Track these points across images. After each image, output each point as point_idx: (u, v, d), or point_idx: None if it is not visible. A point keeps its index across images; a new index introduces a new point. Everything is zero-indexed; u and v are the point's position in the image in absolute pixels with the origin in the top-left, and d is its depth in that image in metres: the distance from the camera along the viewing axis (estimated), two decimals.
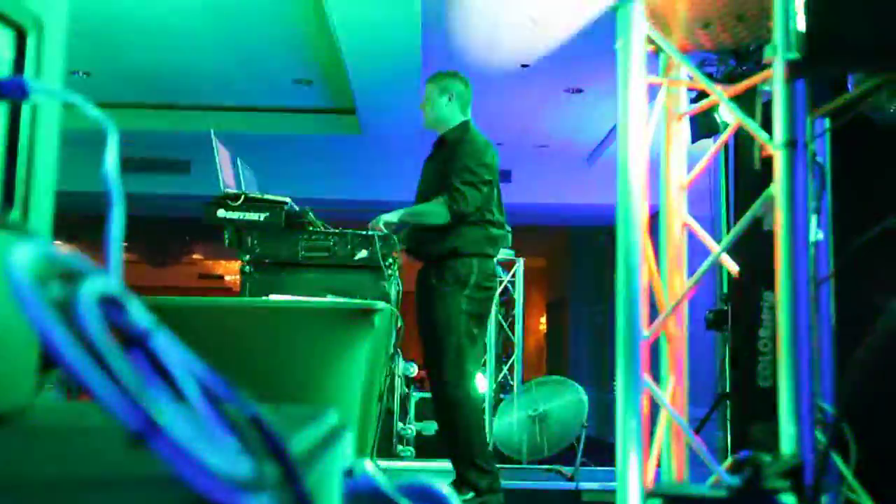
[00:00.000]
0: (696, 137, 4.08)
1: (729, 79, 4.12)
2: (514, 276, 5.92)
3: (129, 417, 0.35)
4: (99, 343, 0.37)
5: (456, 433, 3.10)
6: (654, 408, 1.57)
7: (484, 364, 5.57)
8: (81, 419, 0.68)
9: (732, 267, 1.64)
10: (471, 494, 3.09)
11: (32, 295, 0.37)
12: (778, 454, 1.19)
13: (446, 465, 3.51)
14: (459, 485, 3.08)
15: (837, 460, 1.37)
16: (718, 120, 4.28)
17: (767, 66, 1.47)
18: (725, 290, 4.43)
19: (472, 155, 3.22)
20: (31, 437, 0.58)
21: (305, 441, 0.58)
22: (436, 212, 3.14)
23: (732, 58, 4.31)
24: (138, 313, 0.44)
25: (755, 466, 1.00)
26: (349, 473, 0.65)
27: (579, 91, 6.64)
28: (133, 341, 0.42)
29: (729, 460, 1.27)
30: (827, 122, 1.69)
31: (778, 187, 1.35)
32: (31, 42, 0.66)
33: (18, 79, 0.64)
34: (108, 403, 0.35)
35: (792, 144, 1.34)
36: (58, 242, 0.43)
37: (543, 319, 15.34)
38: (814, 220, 1.36)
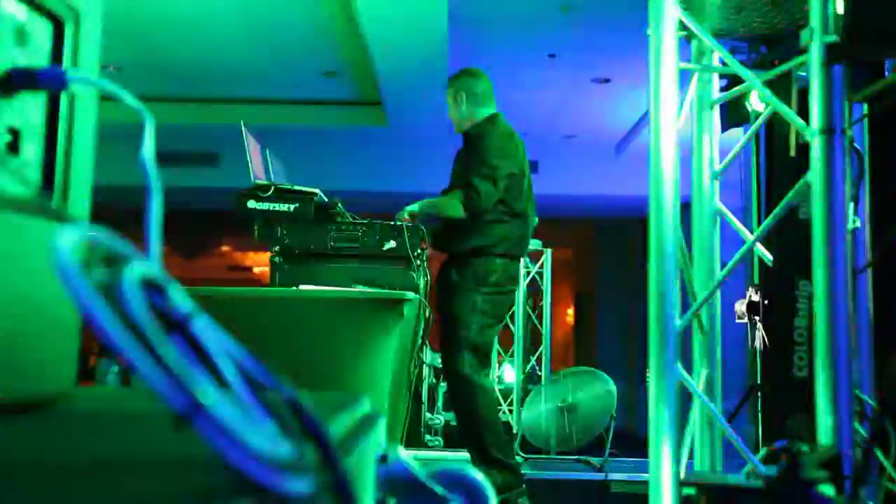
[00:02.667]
0: (725, 127, 4.03)
1: (760, 66, 4.05)
2: (541, 266, 5.90)
3: (174, 398, 0.36)
4: (144, 325, 0.37)
5: (470, 426, 3.10)
6: (686, 398, 1.56)
7: (512, 355, 5.56)
8: (121, 404, 0.69)
9: (766, 256, 1.62)
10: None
11: (78, 278, 0.37)
12: (815, 445, 1.17)
13: None
14: None
15: (878, 452, 1.35)
16: (749, 108, 4.22)
17: (803, 51, 1.44)
18: (756, 279, 4.37)
19: (491, 148, 3.18)
20: (72, 420, 0.59)
21: (342, 426, 0.58)
22: (452, 205, 3.13)
23: (763, 45, 4.24)
24: (179, 298, 0.44)
25: (792, 456, 0.98)
26: (383, 459, 0.65)
27: (607, 80, 6.58)
28: (174, 325, 0.43)
29: (764, 450, 1.26)
30: (865, 108, 1.66)
31: (815, 175, 1.33)
32: (68, 32, 0.67)
33: (57, 68, 0.65)
34: (153, 384, 0.35)
35: (829, 131, 1.31)
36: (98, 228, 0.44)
37: (571, 311, 15.28)
38: (851, 207, 1.34)
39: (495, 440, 3.12)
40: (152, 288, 0.43)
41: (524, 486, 3.18)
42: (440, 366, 5.18)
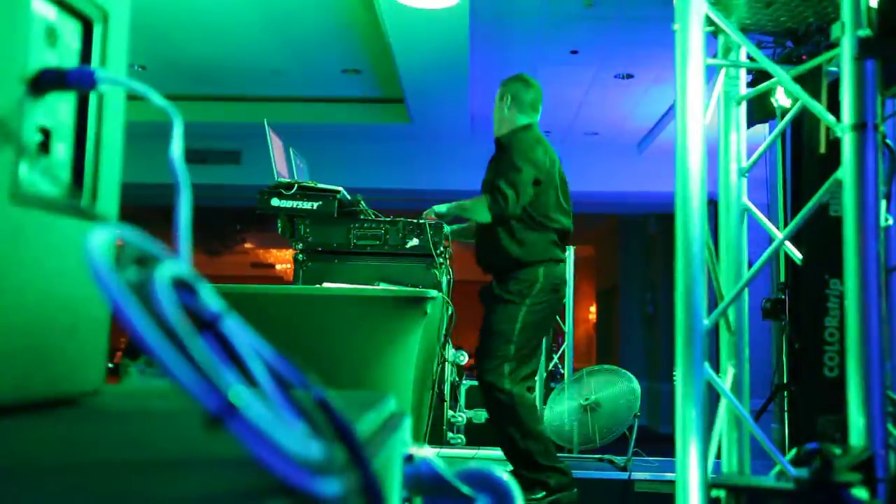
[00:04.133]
0: (750, 123, 3.98)
1: (786, 61, 4.00)
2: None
3: (207, 399, 0.35)
4: (176, 325, 0.37)
5: (512, 439, 3.06)
6: (713, 397, 1.54)
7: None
8: (149, 402, 0.69)
9: (795, 254, 1.60)
10: (542, 493, 3.06)
11: (111, 278, 0.37)
12: (847, 447, 1.15)
13: (497, 452, 3.51)
14: (530, 485, 3.05)
15: None
16: (775, 104, 4.17)
17: (833, 45, 1.42)
18: (782, 278, 4.32)
19: (517, 153, 3.16)
20: (102, 419, 0.59)
21: (369, 425, 0.58)
22: (479, 209, 3.12)
23: (789, 40, 4.18)
24: (209, 297, 0.44)
25: (825, 458, 0.97)
26: (409, 459, 0.65)
27: (630, 76, 6.54)
28: (205, 325, 0.43)
29: (793, 452, 1.24)
30: None
31: (846, 171, 1.30)
32: (96, 33, 0.67)
33: (86, 68, 0.65)
34: (186, 385, 0.35)
35: (861, 127, 1.29)
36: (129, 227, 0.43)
37: (593, 308, 15.22)
38: (883, 205, 1.31)
39: (540, 448, 3.09)
40: (183, 287, 0.43)
41: (575, 490, 3.14)
42: (462, 363, 5.18)
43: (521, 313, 3.10)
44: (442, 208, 3.12)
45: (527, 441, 3.06)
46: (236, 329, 0.44)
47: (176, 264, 0.43)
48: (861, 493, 0.98)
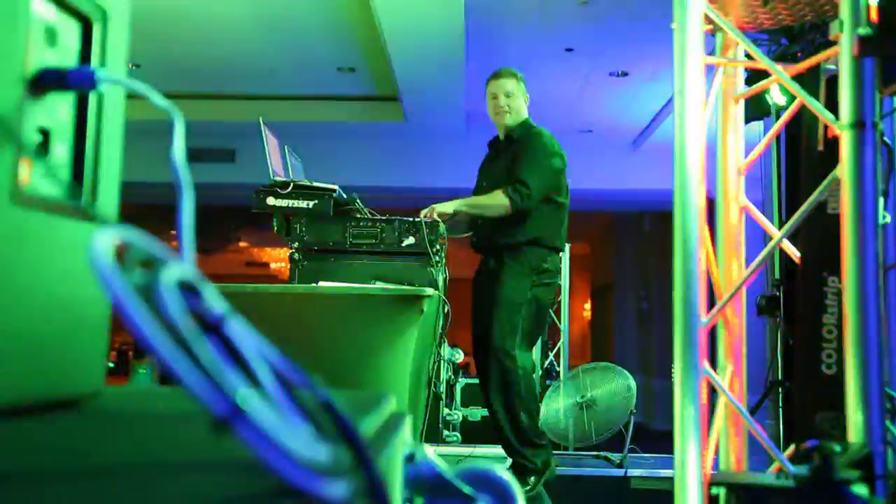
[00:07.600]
0: (745, 120, 3.98)
1: (781, 59, 4.01)
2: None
3: (214, 402, 0.35)
4: (183, 328, 0.37)
5: (515, 410, 3.11)
6: (711, 395, 1.54)
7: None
8: (150, 404, 0.69)
9: (793, 252, 1.60)
10: (532, 480, 3.11)
11: (117, 281, 0.37)
12: (845, 443, 1.15)
13: (493, 450, 3.52)
14: (517, 470, 3.10)
15: None
16: (770, 102, 4.18)
17: (830, 42, 1.42)
18: (777, 275, 4.33)
19: (546, 146, 3.29)
20: (104, 421, 0.59)
21: (371, 426, 0.58)
22: (499, 204, 3.17)
23: (784, 37, 4.20)
24: (213, 299, 0.44)
25: (825, 456, 0.97)
26: (410, 458, 0.65)
27: (625, 74, 6.54)
28: (210, 327, 0.42)
29: (791, 448, 1.24)
30: (894, 101, 1.63)
31: (845, 169, 1.31)
32: (96, 32, 0.66)
33: (86, 68, 0.65)
34: (193, 388, 0.35)
35: (860, 124, 1.29)
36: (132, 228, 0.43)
37: (588, 305, 15.25)
38: (881, 202, 1.31)
39: (533, 424, 3.18)
40: (188, 289, 0.42)
41: (554, 467, 3.26)
42: (457, 361, 5.18)
43: (531, 287, 3.20)
44: (447, 207, 3.10)
45: (527, 417, 3.14)
46: (241, 331, 0.44)
47: (180, 266, 0.43)
48: (860, 489, 0.99)
